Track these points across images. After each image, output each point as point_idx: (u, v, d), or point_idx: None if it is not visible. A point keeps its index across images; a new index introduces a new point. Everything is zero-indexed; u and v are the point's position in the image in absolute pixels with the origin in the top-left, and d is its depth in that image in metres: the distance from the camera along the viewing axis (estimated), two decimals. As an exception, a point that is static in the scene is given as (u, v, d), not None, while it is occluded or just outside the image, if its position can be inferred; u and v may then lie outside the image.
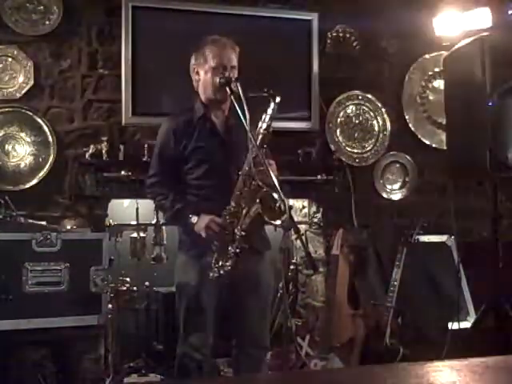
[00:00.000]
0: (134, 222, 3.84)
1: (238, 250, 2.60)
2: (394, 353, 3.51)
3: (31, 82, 3.71)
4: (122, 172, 3.69)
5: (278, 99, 2.63)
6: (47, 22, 3.73)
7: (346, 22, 4.24)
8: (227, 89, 2.67)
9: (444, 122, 3.74)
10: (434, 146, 4.38)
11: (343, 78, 4.26)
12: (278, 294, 3.94)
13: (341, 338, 3.70)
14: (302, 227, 4.30)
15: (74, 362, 3.17)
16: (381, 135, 4.32)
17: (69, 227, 3.53)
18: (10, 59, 3.69)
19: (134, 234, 3.87)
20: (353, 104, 4.30)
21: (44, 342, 3.14)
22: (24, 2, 3.70)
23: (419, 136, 4.38)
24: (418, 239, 3.78)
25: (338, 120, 4.26)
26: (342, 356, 3.65)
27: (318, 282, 4.26)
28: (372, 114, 4.32)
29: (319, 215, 4.28)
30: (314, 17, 4.07)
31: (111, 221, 3.81)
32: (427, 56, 4.39)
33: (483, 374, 1.50)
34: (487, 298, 3.24)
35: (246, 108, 2.53)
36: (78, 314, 3.15)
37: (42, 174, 3.69)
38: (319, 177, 4.08)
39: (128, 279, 3.65)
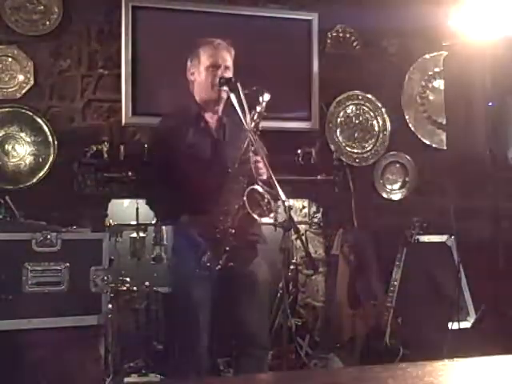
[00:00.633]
0: (134, 222, 3.84)
1: (228, 248, 2.62)
2: (393, 353, 3.51)
3: (31, 82, 3.71)
4: (122, 172, 3.68)
5: (266, 96, 2.64)
6: (47, 22, 3.73)
7: (346, 21, 4.24)
8: (227, 88, 2.70)
9: (444, 121, 3.74)
10: (434, 146, 4.38)
11: (343, 78, 4.26)
12: (278, 294, 3.94)
13: (341, 338, 3.70)
14: (302, 227, 4.30)
15: (74, 362, 3.16)
16: (381, 135, 4.32)
17: (69, 227, 3.52)
18: (9, 59, 3.69)
19: (134, 234, 3.87)
20: (353, 104, 4.30)
21: (44, 342, 3.13)
22: (24, 2, 3.70)
23: (419, 136, 4.38)
24: (418, 239, 3.78)
25: (338, 120, 4.26)
26: (342, 356, 3.65)
27: (318, 282, 4.26)
28: (372, 113, 4.32)
29: (319, 215, 4.28)
30: (314, 17, 4.07)
31: (111, 221, 3.81)
32: (427, 56, 4.39)
33: (483, 374, 1.50)
34: (487, 298, 3.24)
35: (245, 107, 2.57)
36: (78, 314, 3.14)
37: (41, 174, 3.69)
38: (319, 177, 4.08)
39: (128, 279, 3.65)
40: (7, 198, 3.32)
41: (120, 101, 3.76)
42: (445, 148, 3.67)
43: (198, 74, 2.84)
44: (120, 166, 3.71)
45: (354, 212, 4.16)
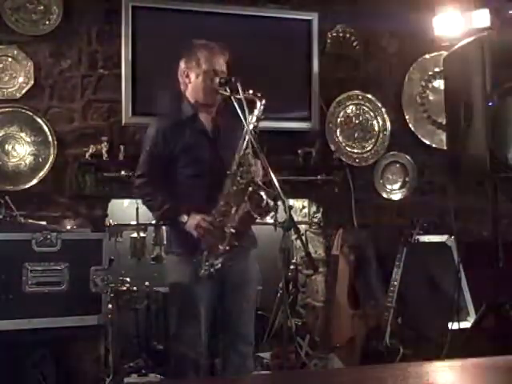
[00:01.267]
0: (134, 222, 3.85)
1: (227, 248, 2.66)
2: (394, 353, 3.51)
3: (31, 82, 3.71)
4: (122, 172, 3.68)
5: (263, 101, 2.67)
6: (47, 22, 3.73)
7: (346, 21, 4.23)
8: (227, 89, 2.73)
9: (444, 121, 3.74)
10: (434, 146, 4.38)
11: (343, 78, 4.26)
12: (278, 294, 3.94)
13: (341, 338, 3.70)
14: (302, 227, 4.30)
15: (74, 362, 3.17)
16: (381, 135, 4.32)
17: (69, 227, 3.53)
18: (9, 59, 3.69)
19: (134, 234, 3.87)
20: (353, 104, 4.29)
21: (44, 341, 3.13)
22: (24, 2, 3.70)
23: (419, 136, 4.38)
24: (418, 239, 3.77)
25: (338, 120, 4.26)
26: (342, 356, 3.65)
27: (318, 282, 4.26)
28: (372, 113, 4.32)
29: (319, 215, 4.28)
30: (314, 17, 4.07)
31: (111, 221, 3.81)
32: (427, 56, 4.39)
33: (483, 374, 1.50)
34: (487, 298, 3.24)
35: (245, 107, 2.59)
36: (78, 314, 3.15)
37: (41, 174, 3.69)
38: (319, 177, 4.08)
39: (128, 279, 3.65)
40: (7, 197, 3.31)
41: (120, 101, 3.76)
42: (445, 148, 3.67)
43: (195, 77, 2.86)
44: (120, 165, 3.71)
45: (353, 212, 4.16)
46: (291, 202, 4.11)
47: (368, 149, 4.30)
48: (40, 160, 3.71)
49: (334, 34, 4.24)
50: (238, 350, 2.89)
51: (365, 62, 4.31)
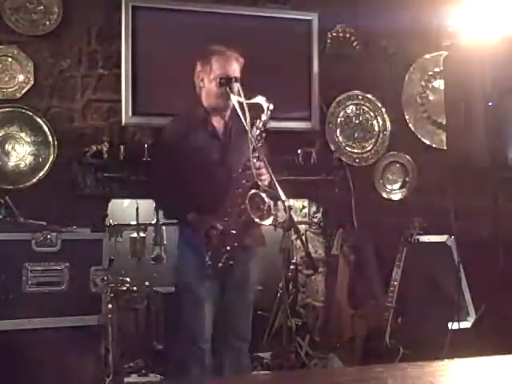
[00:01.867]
0: (134, 222, 3.85)
1: (228, 248, 2.72)
2: (393, 353, 3.51)
3: (31, 82, 3.71)
4: (122, 172, 3.68)
5: (271, 106, 2.71)
6: (47, 22, 3.73)
7: (346, 21, 4.23)
8: (227, 89, 2.76)
9: (444, 121, 3.74)
10: (434, 146, 4.38)
11: (343, 78, 4.26)
12: (278, 294, 3.94)
13: (341, 338, 3.70)
14: (302, 227, 4.30)
15: (74, 362, 3.16)
16: (381, 135, 4.32)
17: (69, 227, 3.52)
18: (9, 59, 3.69)
19: (134, 234, 3.87)
20: (353, 104, 4.29)
21: (44, 341, 3.13)
22: (24, 2, 3.69)
23: (419, 136, 4.38)
24: (418, 239, 3.78)
25: (338, 120, 4.26)
26: (342, 356, 3.65)
27: (318, 282, 4.26)
28: (372, 113, 4.32)
29: (319, 215, 4.28)
30: (314, 17, 4.07)
31: (111, 221, 3.81)
32: (427, 56, 4.39)
33: (483, 374, 1.50)
34: (487, 298, 3.24)
35: (245, 108, 2.61)
36: (78, 314, 3.15)
37: (41, 174, 3.69)
38: (319, 177, 4.08)
39: (128, 279, 3.65)
40: (7, 198, 3.31)
41: (120, 101, 3.76)
42: (445, 148, 3.67)
43: (209, 82, 2.91)
44: (120, 165, 3.71)
45: (353, 212, 4.16)
46: (291, 201, 4.10)
47: (368, 149, 4.30)
48: (40, 160, 3.71)
49: (334, 34, 4.24)
50: (232, 345, 2.95)
51: (365, 62, 4.31)
